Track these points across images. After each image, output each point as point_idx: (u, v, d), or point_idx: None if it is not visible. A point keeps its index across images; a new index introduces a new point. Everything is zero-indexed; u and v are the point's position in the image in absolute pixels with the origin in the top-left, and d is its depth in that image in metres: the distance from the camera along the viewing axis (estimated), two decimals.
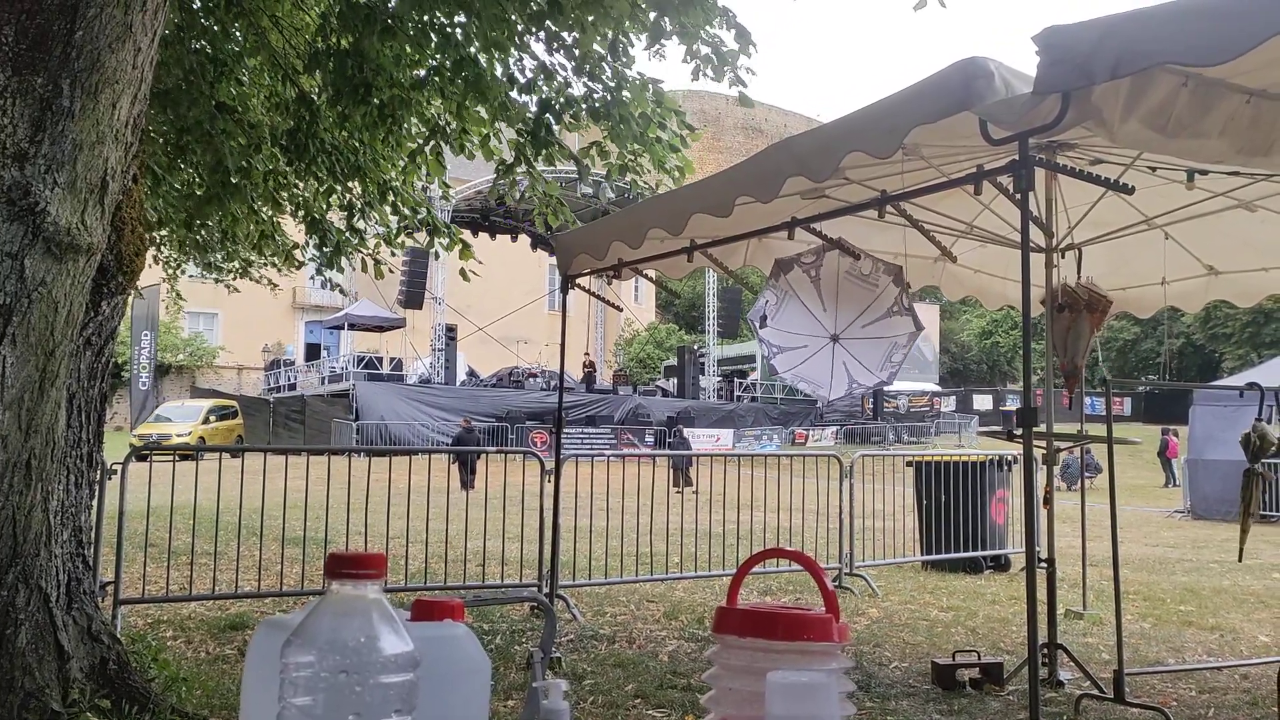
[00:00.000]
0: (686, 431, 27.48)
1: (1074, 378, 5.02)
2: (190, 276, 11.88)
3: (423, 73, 5.74)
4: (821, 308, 5.59)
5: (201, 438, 27.65)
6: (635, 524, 8.41)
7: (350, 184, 6.69)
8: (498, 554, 7.32)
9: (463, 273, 6.68)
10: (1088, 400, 9.89)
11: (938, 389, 43.71)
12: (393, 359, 34.31)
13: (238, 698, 1.40)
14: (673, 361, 41.13)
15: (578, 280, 6.16)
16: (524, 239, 32.02)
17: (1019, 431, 3.51)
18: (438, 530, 8.48)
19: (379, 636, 0.97)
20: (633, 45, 5.28)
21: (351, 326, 36.93)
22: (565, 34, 5.18)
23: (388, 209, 7.12)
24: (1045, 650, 4.75)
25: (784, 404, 38.11)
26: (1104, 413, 4.88)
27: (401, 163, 6.69)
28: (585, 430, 28.72)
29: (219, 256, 9.72)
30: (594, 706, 4.27)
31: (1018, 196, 3.39)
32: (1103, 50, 2.84)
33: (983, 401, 42.43)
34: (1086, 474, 16.02)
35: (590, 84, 5.45)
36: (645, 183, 6.37)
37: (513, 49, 5.35)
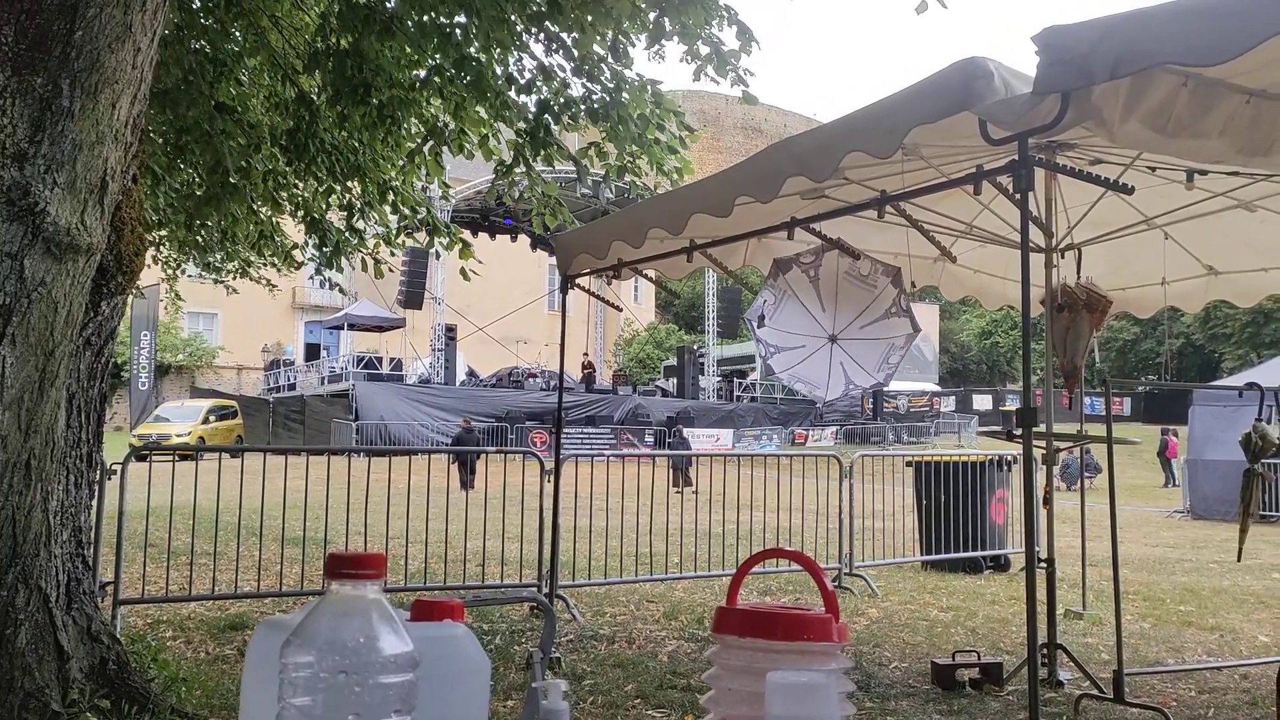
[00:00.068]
0: (686, 431, 27.50)
1: (1073, 378, 5.02)
2: (190, 277, 11.86)
3: (422, 73, 5.74)
4: (820, 308, 5.59)
5: (201, 438, 27.62)
6: (635, 524, 8.41)
7: (350, 184, 6.68)
8: (497, 554, 7.32)
9: (463, 272, 6.68)
10: (1087, 400, 9.90)
11: (937, 389, 43.69)
12: (392, 359, 34.33)
13: (237, 698, 1.40)
14: (672, 361, 41.16)
15: (577, 280, 6.16)
16: (523, 239, 32.02)
17: (1018, 431, 3.51)
18: (437, 530, 8.48)
19: (378, 637, 0.97)
20: (633, 45, 5.28)
21: (351, 326, 36.94)
22: (565, 34, 5.18)
23: (387, 209, 7.12)
24: (1045, 650, 4.75)
25: (784, 404, 38.10)
26: (1104, 413, 4.89)
27: (401, 163, 6.68)
28: (585, 430, 28.73)
29: (219, 257, 9.72)
30: (594, 707, 4.27)
31: (1017, 196, 3.39)
32: (1102, 50, 2.84)
33: (982, 401, 42.40)
34: (1086, 474, 15.98)
35: (589, 85, 5.45)
36: (644, 184, 6.36)
37: (512, 49, 5.35)
